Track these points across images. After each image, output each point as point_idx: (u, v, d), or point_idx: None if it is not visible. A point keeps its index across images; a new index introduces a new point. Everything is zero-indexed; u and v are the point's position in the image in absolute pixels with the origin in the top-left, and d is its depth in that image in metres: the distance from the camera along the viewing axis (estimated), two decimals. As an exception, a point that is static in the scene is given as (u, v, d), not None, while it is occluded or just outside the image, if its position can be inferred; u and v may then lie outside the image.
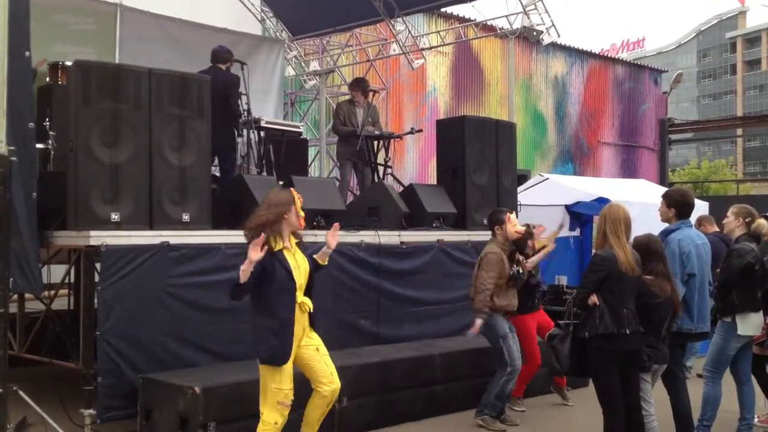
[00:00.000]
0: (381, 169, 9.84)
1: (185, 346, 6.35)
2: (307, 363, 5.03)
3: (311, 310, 5.01)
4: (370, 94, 10.20)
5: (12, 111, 5.39)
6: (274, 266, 4.80)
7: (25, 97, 5.96)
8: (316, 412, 5.11)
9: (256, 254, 4.60)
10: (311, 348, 5.03)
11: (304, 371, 5.03)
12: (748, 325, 5.91)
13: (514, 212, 6.85)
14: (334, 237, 5.20)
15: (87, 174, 6.11)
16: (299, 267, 4.94)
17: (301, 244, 5.08)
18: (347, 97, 10.10)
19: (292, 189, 5.12)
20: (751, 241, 6.03)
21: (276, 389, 4.81)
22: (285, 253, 4.90)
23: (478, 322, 6.50)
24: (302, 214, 5.03)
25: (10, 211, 5.32)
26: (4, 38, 5.20)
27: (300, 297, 4.93)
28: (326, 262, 5.23)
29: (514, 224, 6.79)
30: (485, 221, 8.81)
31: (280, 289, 4.81)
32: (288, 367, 4.87)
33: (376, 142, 9.84)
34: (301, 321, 4.95)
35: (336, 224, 5.35)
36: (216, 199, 7.19)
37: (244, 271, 4.61)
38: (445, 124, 10.00)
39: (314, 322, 5.11)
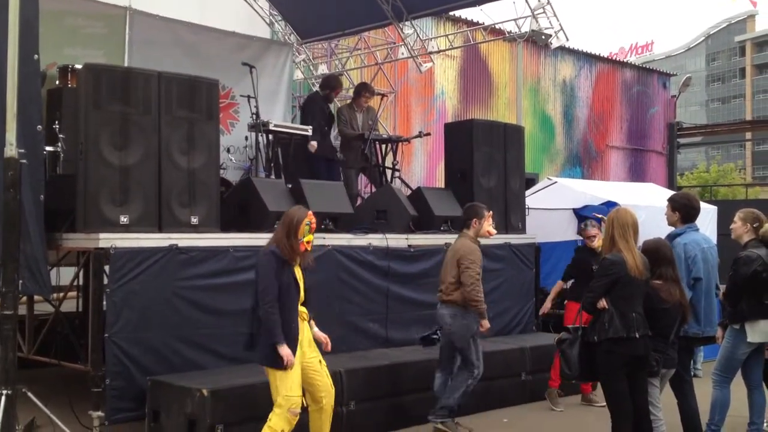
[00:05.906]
0: (389, 172, 9.84)
1: (193, 349, 6.37)
2: (310, 376, 5.18)
3: (307, 319, 5.26)
4: (377, 97, 10.21)
5: (21, 114, 5.41)
6: (290, 279, 5.05)
7: (34, 100, 5.99)
8: (323, 429, 5.26)
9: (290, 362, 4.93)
10: (315, 361, 5.22)
11: (304, 384, 5.14)
12: (758, 332, 5.89)
13: (492, 212, 6.71)
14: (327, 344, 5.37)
15: (96, 177, 6.14)
16: (300, 281, 5.19)
17: (300, 265, 5.24)
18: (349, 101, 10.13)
19: (309, 213, 5.18)
20: (760, 246, 5.97)
21: (287, 397, 4.95)
22: (294, 266, 5.13)
23: (486, 323, 6.41)
24: (307, 238, 5.09)
25: (20, 213, 5.35)
26: (15, 41, 5.24)
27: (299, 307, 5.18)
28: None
29: (491, 224, 6.60)
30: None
31: (290, 300, 5.04)
32: (297, 374, 5.02)
33: (384, 146, 9.85)
34: (303, 330, 5.16)
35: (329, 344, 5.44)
36: (224, 201, 7.21)
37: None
38: (453, 128, 10.00)
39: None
